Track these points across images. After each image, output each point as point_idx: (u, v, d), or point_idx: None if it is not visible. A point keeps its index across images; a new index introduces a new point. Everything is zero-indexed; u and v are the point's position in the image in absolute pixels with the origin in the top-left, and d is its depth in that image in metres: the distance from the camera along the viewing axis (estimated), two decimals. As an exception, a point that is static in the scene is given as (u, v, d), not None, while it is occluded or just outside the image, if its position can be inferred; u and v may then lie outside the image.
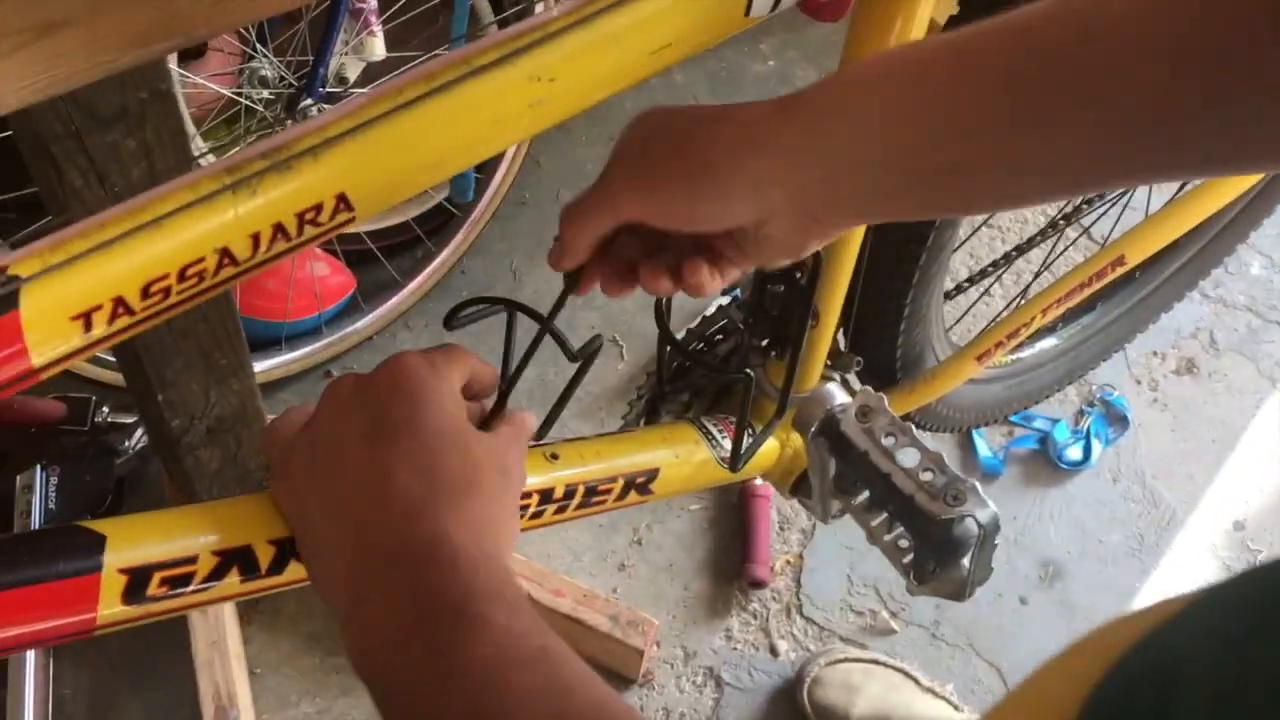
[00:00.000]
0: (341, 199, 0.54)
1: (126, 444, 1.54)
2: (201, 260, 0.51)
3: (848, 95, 0.56)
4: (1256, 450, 1.81)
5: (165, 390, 1.23)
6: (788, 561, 1.63)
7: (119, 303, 0.49)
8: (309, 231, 0.54)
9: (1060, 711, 0.37)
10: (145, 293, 0.50)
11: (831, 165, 0.56)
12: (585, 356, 0.69)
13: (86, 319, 0.49)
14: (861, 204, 0.59)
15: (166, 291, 0.51)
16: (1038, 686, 0.45)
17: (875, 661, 1.45)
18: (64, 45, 0.57)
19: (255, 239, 0.52)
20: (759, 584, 1.58)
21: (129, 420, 1.55)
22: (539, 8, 1.65)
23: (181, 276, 0.51)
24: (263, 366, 1.63)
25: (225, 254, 0.51)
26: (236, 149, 1.58)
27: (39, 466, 1.46)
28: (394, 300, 1.78)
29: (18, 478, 1.45)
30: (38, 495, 1.45)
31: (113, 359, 1.45)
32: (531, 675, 0.47)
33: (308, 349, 1.71)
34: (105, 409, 1.55)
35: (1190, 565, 1.69)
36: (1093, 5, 0.49)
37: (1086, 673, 0.38)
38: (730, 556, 1.62)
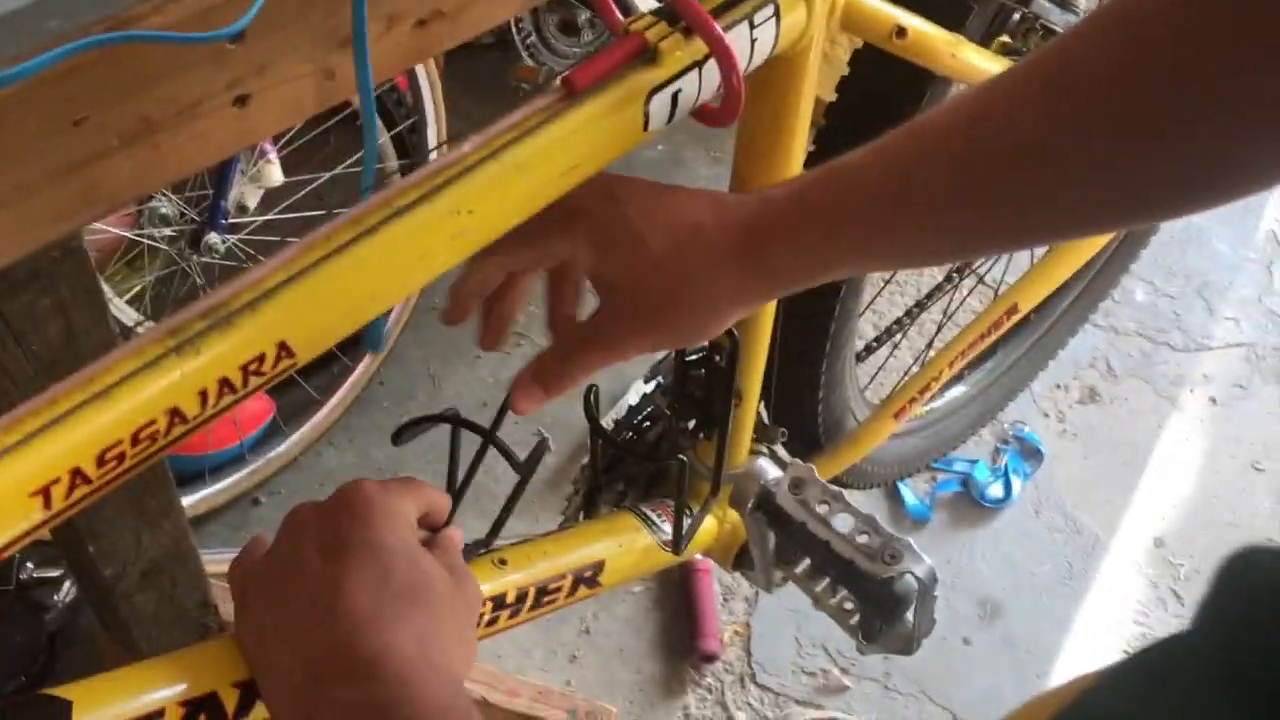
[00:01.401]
0: (283, 347, 0.55)
1: (55, 598, 1.51)
2: (153, 423, 0.52)
3: (804, 241, 0.62)
4: (1165, 468, 1.89)
5: (96, 540, 1.21)
6: (736, 631, 1.65)
7: (76, 474, 0.51)
8: (253, 381, 0.55)
9: None
10: (101, 460, 0.51)
11: (783, 288, 0.65)
12: (530, 465, 0.71)
13: (45, 494, 0.50)
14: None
15: (121, 457, 0.52)
16: None
17: (833, 719, 1.48)
18: (-5, 228, 0.58)
19: (203, 395, 0.54)
20: (710, 657, 1.59)
21: (55, 574, 1.52)
22: (432, 155, 1.69)
23: (135, 440, 0.52)
24: (188, 501, 1.62)
25: (175, 414, 0.53)
26: (143, 288, 1.58)
27: (-34, 633, 1.42)
28: (315, 419, 1.78)
29: (-55, 647, 1.41)
30: (-33, 663, 1.41)
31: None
32: None
33: (232, 479, 1.69)
34: (29, 565, 1.51)
35: (1119, 587, 1.75)
36: (980, 119, 0.56)
37: None
38: (679, 634, 1.63)
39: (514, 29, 1.95)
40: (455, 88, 1.76)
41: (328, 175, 1.70)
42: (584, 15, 1.98)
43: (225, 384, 0.54)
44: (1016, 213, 0.57)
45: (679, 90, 0.67)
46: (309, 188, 1.69)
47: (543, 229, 0.66)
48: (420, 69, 1.68)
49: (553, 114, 0.63)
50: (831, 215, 0.61)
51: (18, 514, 0.49)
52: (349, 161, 1.71)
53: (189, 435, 0.55)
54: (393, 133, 1.73)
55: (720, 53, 0.66)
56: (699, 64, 0.67)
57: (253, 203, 1.62)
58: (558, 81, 0.64)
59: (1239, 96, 0.47)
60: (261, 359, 0.55)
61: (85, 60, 0.55)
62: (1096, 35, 0.52)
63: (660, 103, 0.67)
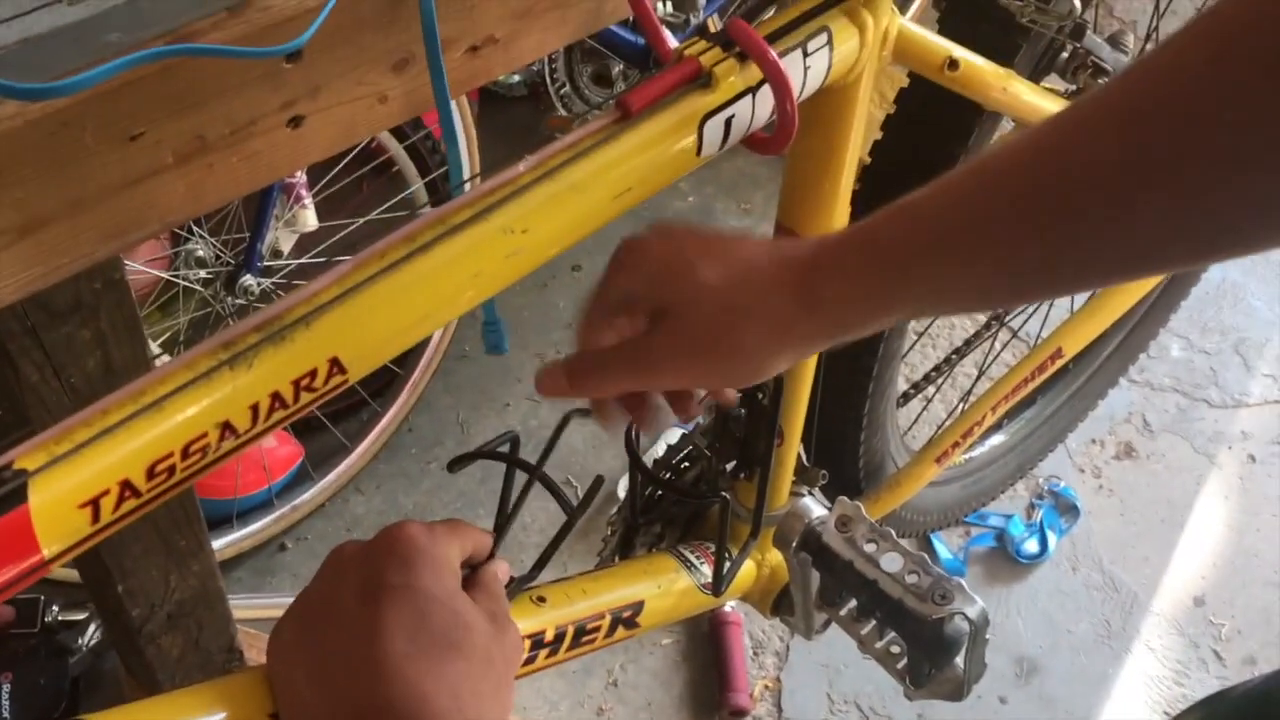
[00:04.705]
0: (335, 363, 0.55)
1: (80, 641, 1.50)
2: (204, 436, 0.51)
3: (858, 284, 0.60)
4: (1205, 526, 1.86)
5: (125, 579, 1.20)
6: (766, 686, 1.62)
7: (125, 486, 0.50)
8: (305, 397, 0.55)
9: None
10: (150, 473, 0.50)
11: (840, 331, 0.62)
12: (585, 502, 0.69)
13: (94, 506, 0.49)
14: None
15: (171, 470, 0.51)
16: None
17: (867, 778, 1.44)
18: (45, 244, 0.58)
19: (254, 410, 0.53)
20: (740, 713, 1.56)
21: (80, 617, 1.51)
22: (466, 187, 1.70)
23: (185, 454, 0.51)
24: (216, 545, 1.60)
25: (226, 427, 0.52)
26: (175, 331, 1.59)
27: (-10, 675, 1.41)
28: (343, 465, 1.77)
29: (-31, 688, 1.40)
30: (-9, 705, 1.40)
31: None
32: None
33: (260, 523, 1.68)
34: (55, 607, 1.50)
35: (1158, 647, 1.71)
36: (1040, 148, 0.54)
37: None
38: (708, 688, 1.60)
39: (548, 79, 1.97)
40: (488, 137, 1.77)
41: (361, 221, 1.71)
42: (617, 67, 2.00)
43: (277, 398, 0.53)
44: (1088, 247, 0.53)
45: (732, 116, 0.67)
46: (342, 233, 1.70)
47: (604, 278, 0.66)
48: (455, 116, 1.69)
49: (607, 136, 0.63)
50: (891, 251, 0.59)
51: (67, 526, 0.48)
52: (382, 208, 1.72)
53: (239, 450, 0.54)
54: (426, 180, 1.74)
55: (775, 79, 0.66)
56: (753, 90, 0.67)
57: (286, 247, 1.63)
58: (613, 104, 0.64)
59: None
60: (314, 374, 0.54)
61: (144, 74, 0.56)
62: (1176, 59, 0.50)
63: (714, 128, 0.66)
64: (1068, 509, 1.85)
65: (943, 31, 0.89)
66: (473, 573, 0.65)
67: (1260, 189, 0.48)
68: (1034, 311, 1.57)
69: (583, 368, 0.66)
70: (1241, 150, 0.47)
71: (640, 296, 0.64)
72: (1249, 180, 0.48)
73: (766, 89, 0.67)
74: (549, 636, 0.83)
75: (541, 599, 0.84)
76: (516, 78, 2.18)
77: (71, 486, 0.48)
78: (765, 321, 0.62)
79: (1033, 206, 0.54)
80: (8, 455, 0.48)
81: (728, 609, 1.62)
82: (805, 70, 0.70)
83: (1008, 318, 1.47)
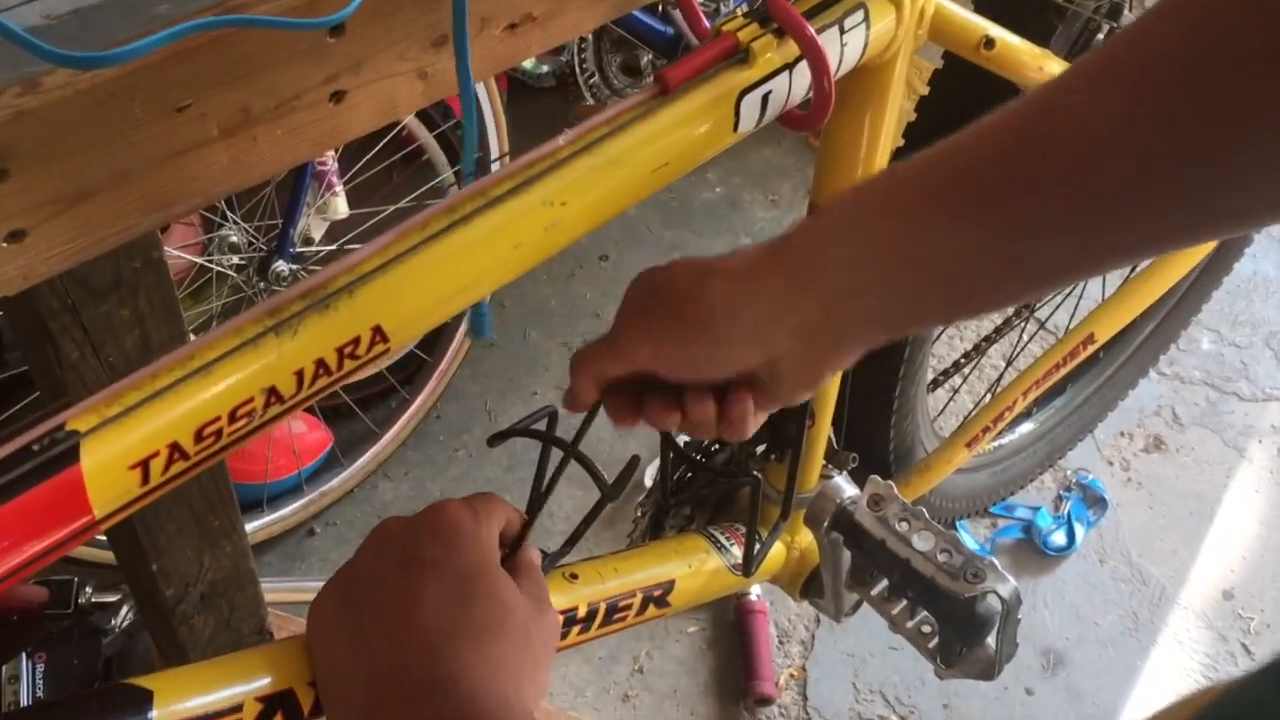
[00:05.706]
0: (377, 331, 0.55)
1: (112, 622, 1.51)
2: (250, 400, 0.52)
3: (827, 235, 0.58)
4: (1234, 519, 1.85)
5: (159, 559, 1.21)
6: (791, 675, 1.62)
7: (174, 448, 0.51)
8: (348, 365, 0.55)
9: None
10: (198, 436, 0.51)
11: (822, 302, 0.58)
12: (620, 484, 0.69)
13: (144, 467, 0.50)
14: (862, 331, 0.60)
15: (218, 434, 0.52)
16: None
17: (893, 766, 1.44)
18: (91, 214, 0.59)
19: (299, 376, 0.54)
20: (765, 700, 1.56)
21: (113, 598, 1.53)
22: (495, 165, 1.71)
23: (232, 418, 0.52)
24: (247, 529, 1.61)
25: (272, 392, 0.53)
26: (209, 313, 1.60)
27: (24, 655, 1.43)
28: (372, 451, 1.78)
29: (3, 668, 1.42)
30: (25, 684, 1.41)
31: (100, 535, 1.43)
32: None
33: (290, 508, 1.70)
34: (88, 589, 1.52)
35: (1186, 640, 1.71)
36: (1051, 108, 0.52)
37: None
38: (733, 676, 1.60)
39: (577, 68, 1.98)
40: (517, 126, 1.78)
41: (390, 209, 1.72)
42: (646, 56, 2.00)
43: (321, 365, 0.54)
44: (1086, 214, 0.51)
45: (769, 92, 0.67)
46: (372, 221, 1.71)
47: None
48: (486, 106, 1.70)
49: (646, 110, 0.63)
50: (866, 213, 0.56)
51: (117, 487, 0.49)
52: (411, 196, 1.73)
53: (283, 416, 0.54)
54: (455, 168, 1.75)
55: (813, 55, 0.66)
56: (790, 66, 0.67)
57: (318, 234, 1.65)
58: (651, 79, 0.64)
59: None
60: (356, 342, 0.55)
61: (192, 45, 0.56)
62: (1166, 20, 0.48)
63: (750, 104, 0.66)
64: (1095, 501, 1.84)
65: (979, 10, 0.89)
66: (511, 553, 0.66)
67: (1242, 160, 0.46)
68: (1061, 302, 1.56)
69: (576, 373, 0.65)
70: (1217, 114, 0.46)
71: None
72: (1231, 148, 0.46)
73: (803, 65, 0.67)
74: (581, 613, 0.84)
75: (574, 576, 0.85)
76: (545, 68, 2.19)
77: (122, 448, 0.49)
78: (728, 276, 0.59)
79: (1012, 167, 0.52)
80: (59, 417, 0.49)
81: (753, 598, 1.63)
82: (842, 47, 0.70)
83: (1036, 307, 1.46)
